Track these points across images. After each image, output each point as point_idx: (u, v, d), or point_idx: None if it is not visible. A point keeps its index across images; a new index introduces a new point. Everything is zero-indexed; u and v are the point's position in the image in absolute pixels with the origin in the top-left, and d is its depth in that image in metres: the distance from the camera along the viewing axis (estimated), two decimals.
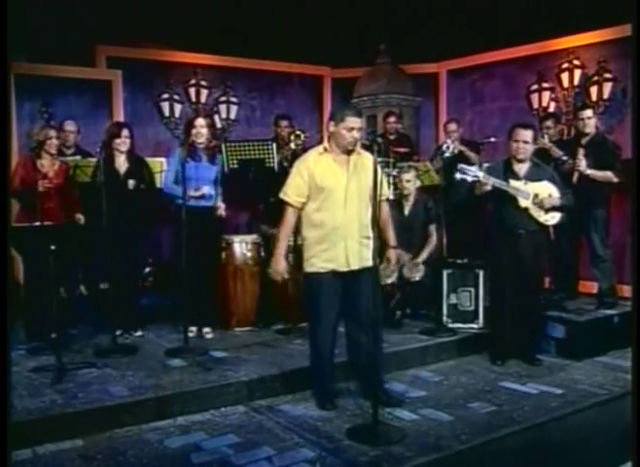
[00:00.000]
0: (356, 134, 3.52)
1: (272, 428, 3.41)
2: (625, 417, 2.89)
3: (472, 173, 4.25)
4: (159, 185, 4.91)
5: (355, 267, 3.55)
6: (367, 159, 3.61)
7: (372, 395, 3.35)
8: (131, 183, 4.65)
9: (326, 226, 3.55)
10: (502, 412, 3.66)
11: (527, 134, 4.35)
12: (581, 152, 5.05)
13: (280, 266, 3.64)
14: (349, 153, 3.59)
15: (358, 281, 3.55)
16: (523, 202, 4.33)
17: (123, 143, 4.71)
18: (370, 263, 3.48)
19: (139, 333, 4.87)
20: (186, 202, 4.41)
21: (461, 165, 4.34)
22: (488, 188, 4.26)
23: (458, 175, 4.25)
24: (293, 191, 3.61)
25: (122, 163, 4.74)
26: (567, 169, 5.06)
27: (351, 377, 3.91)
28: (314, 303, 3.63)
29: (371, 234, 3.58)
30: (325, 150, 3.61)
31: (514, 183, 4.34)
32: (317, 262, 3.58)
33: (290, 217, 3.64)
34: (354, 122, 3.51)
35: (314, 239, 3.60)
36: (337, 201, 3.53)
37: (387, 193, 3.86)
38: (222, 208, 4.84)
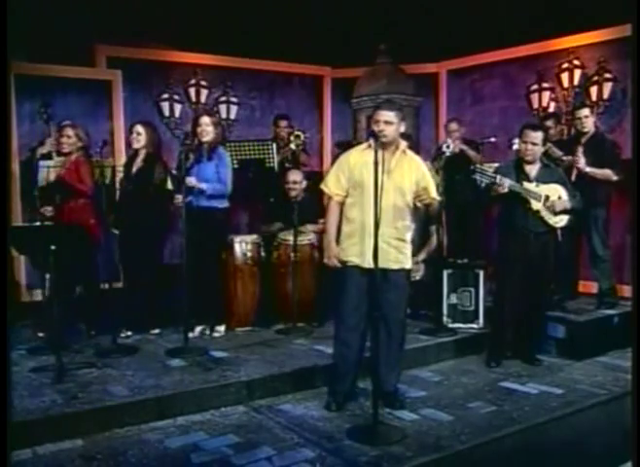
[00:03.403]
0: (382, 127, 3.45)
1: (272, 428, 3.41)
2: (625, 417, 2.89)
3: (488, 175, 4.23)
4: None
5: (379, 266, 3.43)
6: (412, 160, 3.59)
7: (377, 395, 3.32)
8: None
9: (357, 221, 3.55)
10: (502, 412, 3.67)
11: (536, 136, 4.32)
12: (580, 150, 5.05)
13: (333, 250, 3.61)
14: (393, 152, 3.55)
15: (382, 282, 3.45)
16: (535, 205, 4.32)
17: (134, 140, 4.81)
18: (395, 265, 3.50)
19: (156, 331, 4.91)
20: (186, 202, 4.42)
21: (477, 167, 4.32)
22: (505, 190, 4.24)
23: (475, 176, 4.22)
24: (333, 183, 3.64)
25: (137, 163, 4.81)
26: (566, 169, 5.06)
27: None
28: (340, 296, 3.62)
29: (406, 238, 3.59)
30: (369, 146, 3.56)
31: (526, 185, 4.32)
32: (345, 255, 3.59)
33: (332, 207, 3.67)
34: (380, 114, 3.49)
35: (347, 233, 3.61)
36: (371, 198, 3.39)
37: (434, 194, 3.71)
38: (192, 181, 4.60)
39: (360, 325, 3.60)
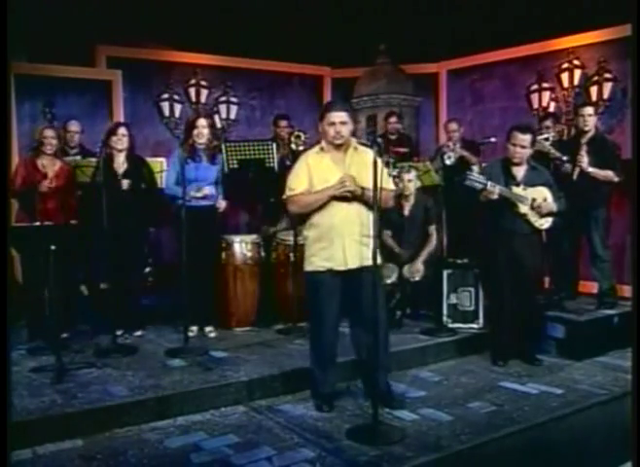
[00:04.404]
0: (339, 128, 3.45)
1: (272, 428, 3.41)
2: (625, 417, 2.89)
3: (480, 181, 4.23)
4: (159, 185, 4.93)
5: (353, 265, 3.50)
6: (365, 154, 3.53)
7: (374, 395, 3.33)
8: (125, 183, 4.66)
9: (323, 224, 3.52)
10: (502, 412, 3.66)
11: (525, 138, 4.30)
12: (584, 149, 5.04)
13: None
14: (346, 150, 3.55)
15: (358, 281, 3.48)
16: (523, 208, 4.33)
17: (119, 141, 4.72)
18: (370, 262, 3.45)
19: (139, 333, 4.87)
20: (186, 203, 4.41)
21: (469, 173, 4.31)
22: (495, 196, 4.23)
23: (467, 183, 4.21)
24: (297, 184, 3.54)
25: (120, 164, 4.77)
26: (567, 170, 5.06)
27: (353, 377, 3.91)
28: (314, 302, 3.60)
29: (371, 233, 3.55)
30: (322, 149, 3.58)
31: (515, 189, 4.32)
32: (316, 260, 3.55)
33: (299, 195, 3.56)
34: (334, 116, 3.47)
35: (313, 238, 3.58)
36: (334, 200, 3.46)
37: (389, 184, 3.67)
38: (222, 206, 4.88)
39: (334, 329, 3.60)
